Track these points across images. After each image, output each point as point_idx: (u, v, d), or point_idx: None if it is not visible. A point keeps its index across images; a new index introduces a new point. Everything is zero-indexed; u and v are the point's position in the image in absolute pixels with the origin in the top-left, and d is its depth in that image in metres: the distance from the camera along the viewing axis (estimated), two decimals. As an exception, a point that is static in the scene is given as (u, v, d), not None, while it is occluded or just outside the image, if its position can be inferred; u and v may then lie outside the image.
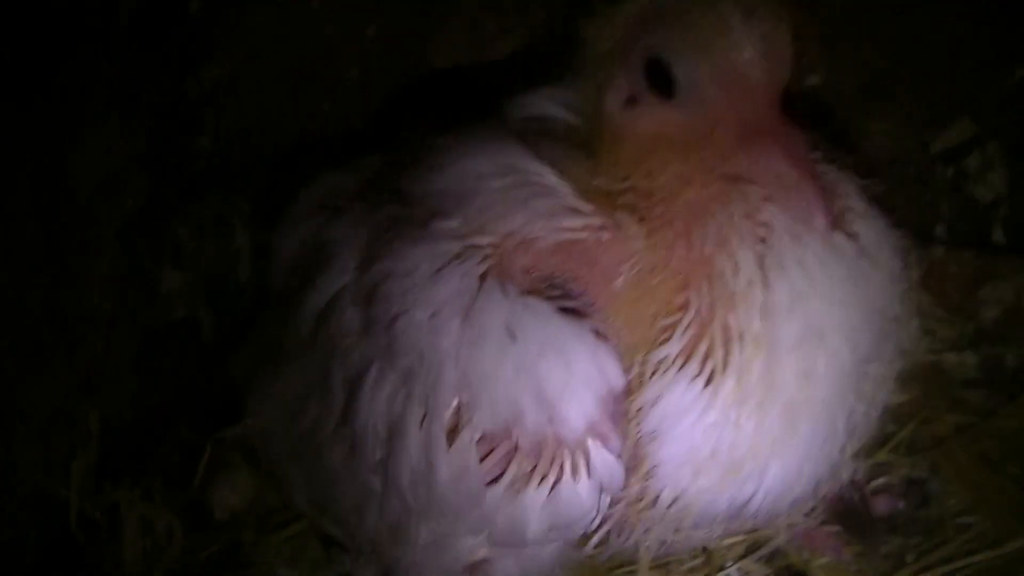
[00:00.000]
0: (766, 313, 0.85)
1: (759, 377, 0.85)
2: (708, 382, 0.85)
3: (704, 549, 1.12)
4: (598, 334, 0.86)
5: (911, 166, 1.45)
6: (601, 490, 0.86)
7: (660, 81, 0.85)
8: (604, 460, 0.85)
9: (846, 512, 1.14)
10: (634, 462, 0.87)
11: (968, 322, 1.40)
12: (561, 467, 0.84)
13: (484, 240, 0.88)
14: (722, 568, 1.10)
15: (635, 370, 0.87)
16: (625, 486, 0.88)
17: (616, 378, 0.85)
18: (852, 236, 0.89)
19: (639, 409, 0.86)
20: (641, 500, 0.89)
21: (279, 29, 1.39)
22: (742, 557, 1.11)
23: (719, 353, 0.85)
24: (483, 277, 0.86)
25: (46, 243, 1.12)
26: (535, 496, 0.85)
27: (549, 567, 0.94)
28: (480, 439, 0.85)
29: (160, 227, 1.35)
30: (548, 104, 0.98)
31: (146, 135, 1.31)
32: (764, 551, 1.11)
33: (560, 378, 0.83)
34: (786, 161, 0.84)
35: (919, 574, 1.09)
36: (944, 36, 1.37)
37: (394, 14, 1.38)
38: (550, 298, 0.86)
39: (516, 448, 0.84)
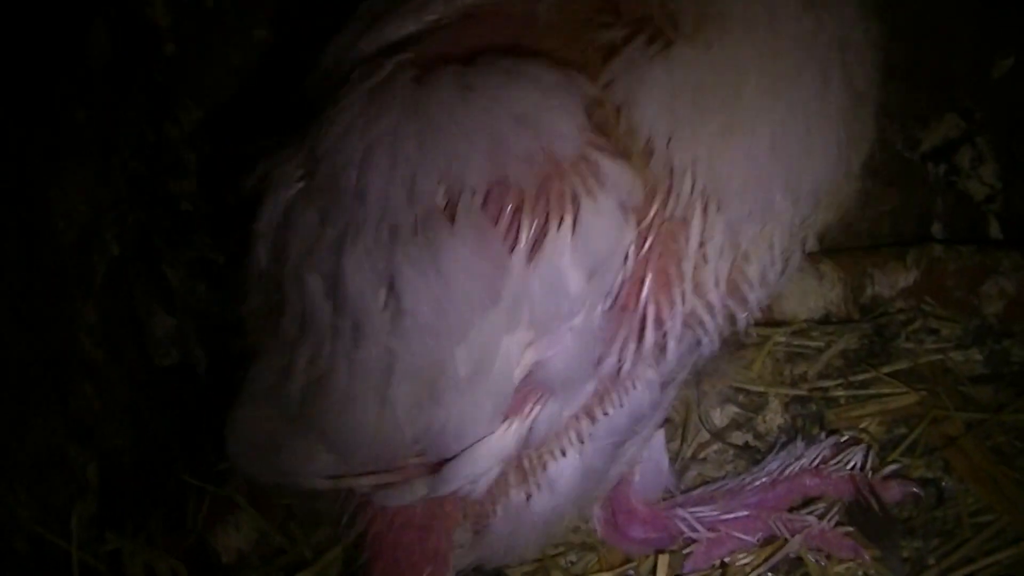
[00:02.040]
0: None
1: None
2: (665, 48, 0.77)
3: (722, 563, 1.11)
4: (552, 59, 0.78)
5: (903, 166, 1.45)
6: (623, 209, 0.77)
7: None
8: (612, 166, 0.77)
9: (860, 513, 1.12)
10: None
11: (971, 319, 1.39)
12: (574, 194, 0.76)
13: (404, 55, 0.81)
14: (740, 582, 1.09)
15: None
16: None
17: (586, 84, 0.77)
18: None
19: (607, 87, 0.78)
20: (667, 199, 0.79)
21: (258, 68, 1.39)
22: (758, 566, 1.09)
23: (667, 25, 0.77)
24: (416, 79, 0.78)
25: (33, 292, 1.11)
26: (561, 240, 0.76)
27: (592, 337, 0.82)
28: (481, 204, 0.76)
29: (149, 272, 1.34)
30: None
31: (127, 180, 1.31)
32: (779, 558, 1.10)
33: (535, 94, 0.76)
34: None
35: (942, 577, 1.07)
36: (925, 34, 1.37)
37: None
38: None
39: (521, 202, 0.76)
